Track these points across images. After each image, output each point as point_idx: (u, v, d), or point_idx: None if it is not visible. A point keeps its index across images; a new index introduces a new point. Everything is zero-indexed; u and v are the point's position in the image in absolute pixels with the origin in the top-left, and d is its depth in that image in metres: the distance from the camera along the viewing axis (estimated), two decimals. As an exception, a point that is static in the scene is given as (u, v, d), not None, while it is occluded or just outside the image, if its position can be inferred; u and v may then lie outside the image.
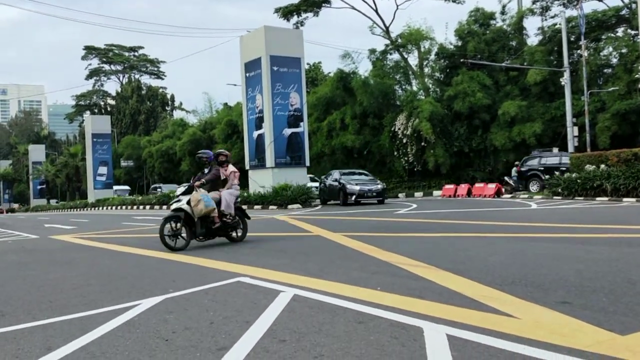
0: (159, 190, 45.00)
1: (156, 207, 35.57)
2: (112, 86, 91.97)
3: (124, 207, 41.36)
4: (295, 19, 38.99)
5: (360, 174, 27.55)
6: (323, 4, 39.11)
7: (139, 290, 6.09)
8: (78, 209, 48.93)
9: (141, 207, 38.14)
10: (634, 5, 30.49)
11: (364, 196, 24.35)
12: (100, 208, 45.05)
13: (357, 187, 24.46)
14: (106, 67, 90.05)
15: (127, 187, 58.82)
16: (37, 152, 78.46)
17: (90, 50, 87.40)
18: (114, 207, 42.84)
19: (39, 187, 76.63)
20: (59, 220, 26.27)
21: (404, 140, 33.35)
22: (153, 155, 58.05)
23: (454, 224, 12.72)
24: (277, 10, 38.50)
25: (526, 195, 24.63)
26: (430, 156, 32.80)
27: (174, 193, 14.25)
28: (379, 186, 25.02)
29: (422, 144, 32.70)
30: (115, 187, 56.52)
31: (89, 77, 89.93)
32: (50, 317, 5.02)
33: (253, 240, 11.07)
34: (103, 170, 55.92)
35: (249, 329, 4.18)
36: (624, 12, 33.02)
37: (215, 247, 10.18)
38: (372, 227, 12.71)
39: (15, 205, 79.41)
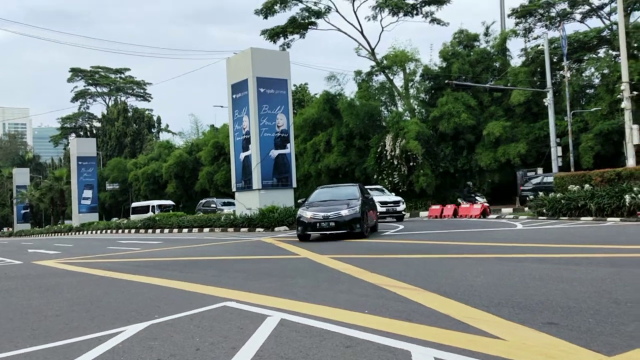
0: (212, 206, 35.81)
1: (141, 230, 35.25)
2: (98, 108, 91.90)
3: (109, 231, 40.94)
4: (281, 40, 39.32)
5: (348, 186, 20.13)
6: (309, 26, 39.49)
7: (124, 317, 6.01)
8: (62, 234, 48.37)
9: (126, 231, 37.78)
10: (615, 27, 31.14)
11: (317, 227, 16.69)
12: (85, 232, 44.57)
13: (309, 214, 16.90)
14: (92, 89, 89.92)
15: (169, 202, 48.15)
16: (21, 176, 77.63)
17: (76, 73, 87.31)
18: (99, 231, 42.40)
19: (22, 211, 75.69)
20: (42, 245, 25.93)
21: (394, 162, 33.50)
22: (139, 177, 57.77)
23: (441, 245, 12.74)
24: (263, 32, 38.79)
25: (512, 216, 24.76)
26: (420, 176, 32.96)
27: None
28: (346, 211, 16.46)
29: (411, 164, 32.89)
30: (157, 202, 46.29)
31: (74, 99, 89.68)
32: (33, 345, 4.94)
33: (239, 263, 10.99)
34: (88, 193, 55.44)
35: (235, 355, 4.14)
36: (605, 33, 33.70)
37: (201, 270, 10.09)
38: (359, 249, 12.68)
39: None
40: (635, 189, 18.29)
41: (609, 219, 18.35)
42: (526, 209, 26.51)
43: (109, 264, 12.73)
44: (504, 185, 33.05)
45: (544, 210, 21.58)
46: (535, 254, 9.80)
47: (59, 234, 49.01)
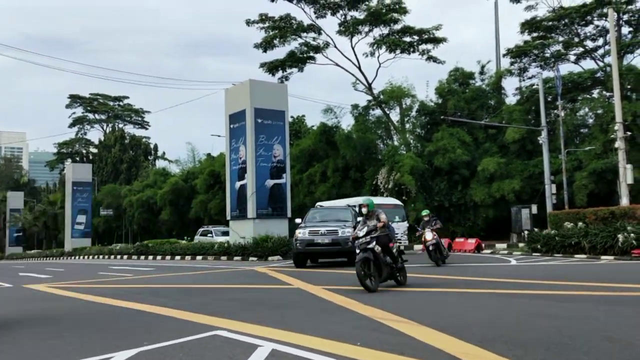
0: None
1: (134, 257, 34.98)
2: (95, 135, 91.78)
3: (100, 256, 40.61)
4: (280, 73, 39.68)
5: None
6: (308, 61, 39.91)
7: (113, 343, 5.93)
8: (54, 258, 47.94)
9: (118, 256, 37.49)
10: (608, 69, 31.65)
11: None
12: (77, 257, 44.18)
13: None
14: (90, 115, 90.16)
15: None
16: (15, 199, 77.29)
17: (75, 99, 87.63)
18: (90, 257, 42.05)
19: (15, 234, 75.14)
20: (34, 269, 25.67)
21: (385, 195, 33.58)
22: (133, 204, 57.54)
23: (434, 279, 12.68)
24: (262, 65, 39.17)
25: (506, 251, 24.73)
26: (410, 210, 32.99)
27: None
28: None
29: (404, 197, 32.93)
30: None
31: (72, 125, 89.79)
32: (19, 370, 4.86)
33: (231, 292, 10.90)
34: (82, 218, 55.19)
35: (225, 385, 4.08)
36: (599, 74, 34.25)
37: (192, 298, 10.00)
38: (352, 281, 12.58)
39: None
40: (629, 228, 18.33)
41: (602, 257, 18.33)
42: (520, 244, 26.50)
43: (99, 290, 12.60)
44: (498, 221, 33.06)
45: (538, 247, 21.58)
46: (529, 290, 9.77)
47: (51, 258, 48.57)
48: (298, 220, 19.35)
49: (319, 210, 21.55)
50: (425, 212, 17.79)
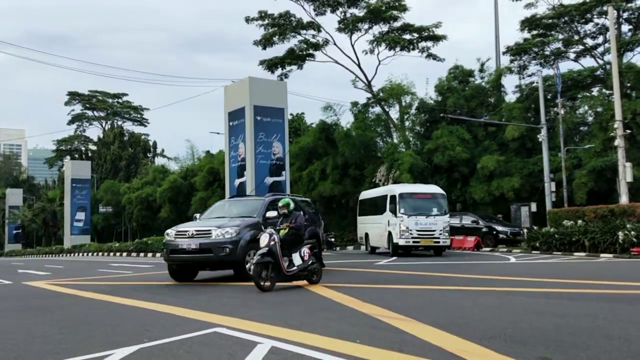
0: None
1: (133, 254, 34.99)
2: (94, 132, 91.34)
3: (100, 253, 40.62)
4: (279, 71, 39.63)
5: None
6: (307, 58, 39.87)
7: (113, 340, 5.93)
8: (54, 255, 47.92)
9: (117, 254, 37.50)
10: (608, 67, 31.63)
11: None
12: (76, 254, 44.17)
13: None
14: (89, 112, 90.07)
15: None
16: (14, 196, 77.30)
17: (73, 96, 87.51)
18: (89, 254, 42.04)
19: (14, 231, 75.16)
20: (33, 266, 25.66)
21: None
22: (132, 201, 57.51)
23: (434, 277, 12.70)
24: (261, 63, 39.11)
25: (505, 249, 24.76)
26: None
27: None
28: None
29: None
30: None
31: (71, 122, 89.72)
32: (19, 366, 4.86)
33: (231, 289, 10.91)
34: (81, 215, 55.24)
35: (225, 382, 4.08)
36: (598, 72, 34.22)
37: (192, 295, 10.01)
38: (351, 278, 12.62)
39: None
40: (628, 225, 18.37)
41: (602, 255, 18.36)
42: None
43: (99, 287, 12.60)
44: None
45: (537, 245, 21.60)
46: (529, 287, 9.78)
47: (50, 255, 48.57)
48: (197, 215, 14.53)
49: (230, 201, 16.00)
50: (284, 201, 11.16)
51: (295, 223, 10.75)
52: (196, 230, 12.26)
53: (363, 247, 27.61)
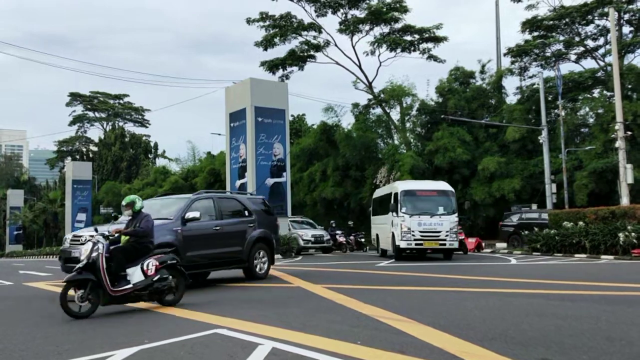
0: None
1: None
2: (95, 133, 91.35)
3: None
4: (280, 72, 39.64)
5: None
6: (308, 59, 39.89)
7: (114, 341, 5.94)
8: (54, 256, 47.90)
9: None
10: (609, 68, 31.65)
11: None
12: (77, 255, 44.13)
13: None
14: (90, 114, 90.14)
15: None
16: (15, 197, 77.33)
17: (75, 97, 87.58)
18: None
19: (15, 232, 75.17)
20: (34, 267, 25.67)
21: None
22: (134, 202, 57.52)
23: (435, 278, 12.69)
24: (262, 64, 39.12)
25: (506, 250, 24.73)
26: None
27: None
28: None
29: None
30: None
31: (72, 123, 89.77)
32: (20, 367, 4.86)
33: (232, 290, 10.91)
34: (82, 216, 55.28)
35: (225, 383, 4.08)
36: (599, 74, 34.25)
37: (192, 296, 10.00)
38: (353, 280, 12.61)
39: None
40: (629, 227, 18.34)
41: (602, 256, 18.35)
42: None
43: (99, 288, 12.57)
44: (498, 220, 33.05)
45: (538, 246, 21.59)
46: (529, 289, 9.78)
47: (51, 256, 48.55)
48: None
49: (162, 199, 13.54)
50: (128, 199, 8.93)
51: (138, 228, 8.56)
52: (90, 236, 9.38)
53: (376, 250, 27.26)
